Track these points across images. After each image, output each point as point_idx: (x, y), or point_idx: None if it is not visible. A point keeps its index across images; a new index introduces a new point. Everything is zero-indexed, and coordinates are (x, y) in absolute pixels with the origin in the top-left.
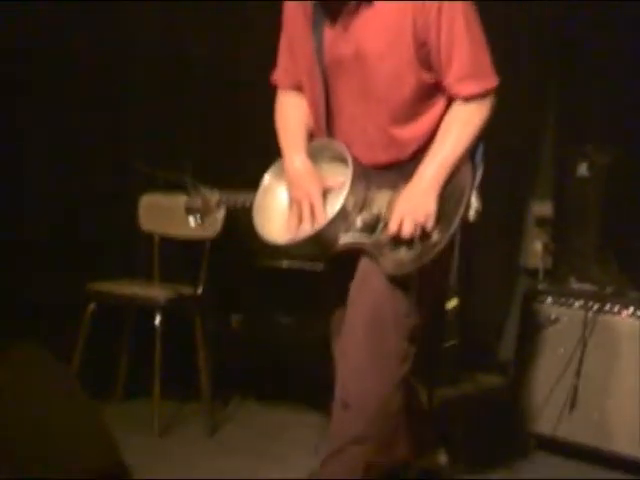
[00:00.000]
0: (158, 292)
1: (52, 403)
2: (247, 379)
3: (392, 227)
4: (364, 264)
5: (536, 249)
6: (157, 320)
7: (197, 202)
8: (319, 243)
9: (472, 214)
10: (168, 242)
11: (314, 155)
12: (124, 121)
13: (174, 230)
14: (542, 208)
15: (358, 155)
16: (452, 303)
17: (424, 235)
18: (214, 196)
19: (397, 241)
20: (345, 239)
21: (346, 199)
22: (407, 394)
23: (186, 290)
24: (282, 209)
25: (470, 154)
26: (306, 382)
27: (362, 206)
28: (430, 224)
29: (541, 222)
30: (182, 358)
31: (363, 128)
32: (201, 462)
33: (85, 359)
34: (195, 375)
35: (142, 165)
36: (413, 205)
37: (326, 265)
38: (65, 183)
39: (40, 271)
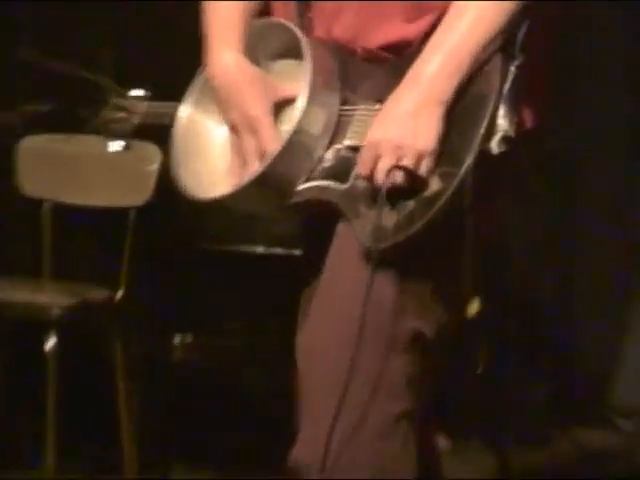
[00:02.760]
0: (50, 298)
1: None
2: (195, 433)
3: (361, 169)
4: (339, 234)
5: None
6: (49, 343)
7: (119, 113)
8: (270, 192)
9: (496, 143)
10: (67, 214)
11: (258, 47)
12: None
13: (76, 195)
14: None
15: (340, 37)
16: (473, 307)
17: (415, 182)
18: (143, 106)
19: (374, 192)
20: (305, 186)
21: (304, 115)
22: (418, 457)
23: (97, 294)
24: (215, 149)
25: (503, 39)
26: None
27: (335, 130)
28: (426, 163)
29: None
30: (92, 400)
31: None
32: None
33: None
34: (113, 426)
35: (29, 53)
36: (396, 130)
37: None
38: None
39: None
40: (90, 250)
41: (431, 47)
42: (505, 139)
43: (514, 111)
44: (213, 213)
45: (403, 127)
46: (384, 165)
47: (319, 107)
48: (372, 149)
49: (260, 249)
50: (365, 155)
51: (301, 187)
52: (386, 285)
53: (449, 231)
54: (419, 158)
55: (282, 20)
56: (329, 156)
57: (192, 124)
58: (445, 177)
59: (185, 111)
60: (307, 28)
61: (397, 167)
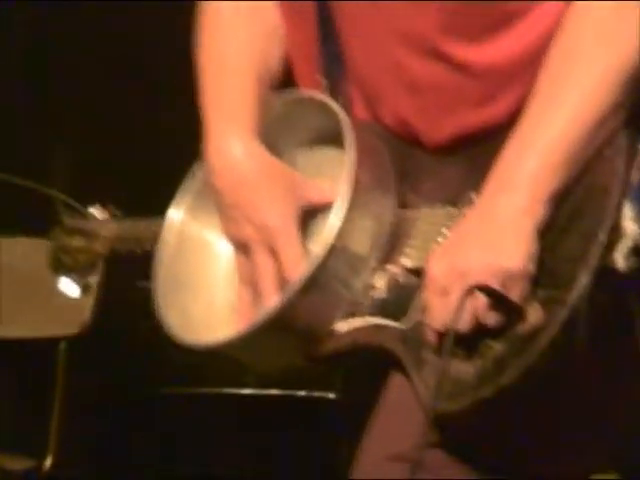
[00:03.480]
0: None
1: None
2: None
3: (427, 302)
4: (393, 387)
5: None
6: None
7: (75, 239)
8: (293, 336)
9: (623, 255)
10: None
11: (280, 131)
12: None
13: None
14: None
15: (394, 123)
16: None
17: (505, 311)
18: (110, 228)
19: (442, 335)
20: (344, 326)
21: (343, 229)
22: None
23: (18, 463)
24: (213, 275)
25: (627, 111)
26: None
27: (389, 246)
28: (517, 287)
29: None
30: None
31: (391, 53)
32: None
33: None
34: None
35: None
36: (472, 251)
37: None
38: None
39: None
40: (6, 402)
41: (521, 137)
42: (636, 250)
43: None
44: (205, 358)
45: (473, 249)
46: (456, 292)
47: (364, 215)
48: (434, 288)
49: (247, 390)
50: (429, 300)
51: (339, 328)
52: (455, 463)
53: (554, 383)
54: (504, 281)
55: (315, 93)
56: (380, 282)
57: (182, 240)
58: (549, 305)
59: (173, 223)
60: (344, 106)
61: (480, 289)
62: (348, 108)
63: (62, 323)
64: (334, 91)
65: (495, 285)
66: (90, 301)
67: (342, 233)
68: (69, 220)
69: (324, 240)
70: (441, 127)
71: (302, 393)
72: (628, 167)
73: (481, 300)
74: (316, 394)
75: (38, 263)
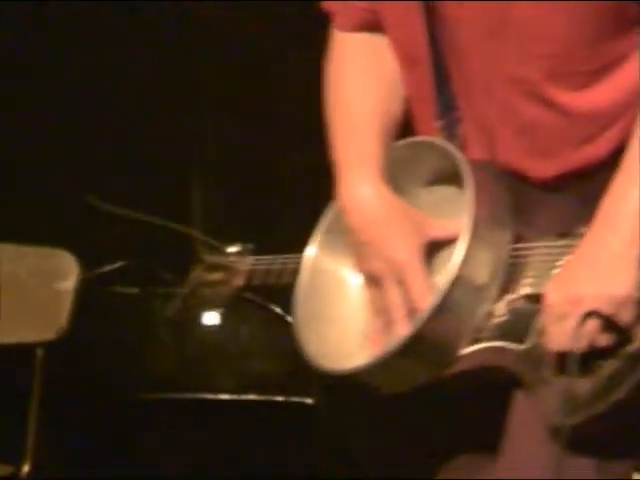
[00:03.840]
0: None
1: None
2: None
3: (545, 327)
4: (518, 406)
5: None
6: None
7: (215, 274)
8: (424, 360)
9: None
10: None
11: (402, 174)
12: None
13: None
14: None
15: (505, 161)
16: None
17: (616, 335)
18: (246, 262)
19: (560, 356)
20: (470, 349)
21: (465, 261)
22: None
23: None
24: (347, 306)
25: None
26: None
27: (508, 277)
28: (627, 311)
29: None
30: None
31: (502, 96)
32: None
33: None
34: None
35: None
36: (585, 280)
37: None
38: None
39: None
40: None
41: (626, 173)
42: None
43: None
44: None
45: (585, 277)
46: (574, 318)
47: (484, 249)
48: (551, 314)
49: (225, 396)
50: (547, 326)
51: (466, 351)
52: (582, 469)
53: None
54: (617, 306)
55: (433, 138)
56: (501, 310)
57: (317, 274)
58: None
59: (309, 258)
60: (460, 147)
61: (593, 314)
62: (464, 149)
63: (38, 329)
64: (450, 134)
65: (607, 310)
66: (66, 307)
67: (465, 264)
68: (209, 257)
69: (449, 271)
70: (546, 165)
71: (280, 398)
72: None
73: (594, 325)
74: (294, 399)
75: (15, 269)
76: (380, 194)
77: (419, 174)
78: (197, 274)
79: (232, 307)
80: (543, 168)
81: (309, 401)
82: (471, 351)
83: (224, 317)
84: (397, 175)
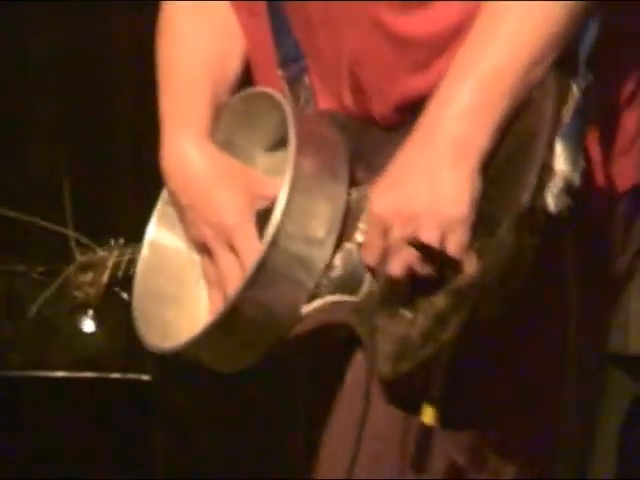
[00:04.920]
0: None
1: None
2: None
3: (364, 255)
4: (355, 365)
5: None
6: None
7: (86, 275)
8: (252, 329)
9: (554, 195)
10: None
11: (242, 131)
12: None
13: None
14: None
15: (348, 104)
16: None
17: (442, 264)
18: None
19: (388, 288)
20: (308, 308)
21: (285, 216)
22: None
23: None
24: (186, 282)
25: (559, 51)
26: None
27: (345, 225)
28: (455, 237)
29: None
30: None
31: (342, 35)
32: None
33: None
34: None
35: None
36: (408, 194)
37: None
38: None
39: None
40: None
41: (453, 76)
42: (568, 190)
43: (578, 151)
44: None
45: (418, 189)
46: (394, 242)
47: (314, 202)
48: (376, 224)
49: (60, 373)
50: (368, 235)
51: (303, 310)
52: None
53: (501, 332)
54: (445, 230)
55: (268, 89)
56: (338, 261)
57: (159, 251)
58: (484, 253)
59: (149, 235)
60: (307, 97)
61: (412, 244)
62: (311, 99)
63: None
64: (294, 84)
65: (435, 233)
66: None
67: (288, 221)
68: (82, 257)
69: (267, 232)
70: (386, 99)
71: (116, 375)
72: (558, 109)
73: (413, 255)
74: (130, 376)
75: None
76: (204, 153)
77: (259, 132)
78: (68, 276)
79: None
80: (383, 101)
81: (145, 378)
82: (310, 309)
83: (59, 294)
84: (234, 132)
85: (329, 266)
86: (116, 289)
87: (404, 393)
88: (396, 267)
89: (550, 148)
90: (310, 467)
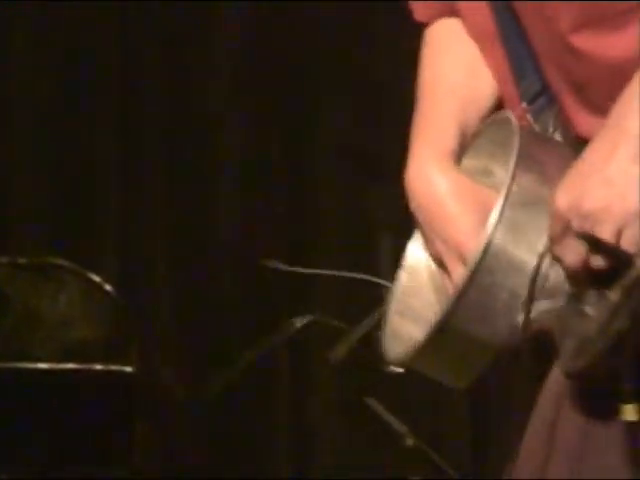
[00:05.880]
0: None
1: None
2: None
3: (551, 243)
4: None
5: None
6: None
7: None
8: (465, 342)
9: None
10: None
11: (490, 151)
12: None
13: None
14: None
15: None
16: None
17: (617, 259)
18: None
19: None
20: (535, 312)
21: (496, 229)
22: None
23: None
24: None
25: None
26: None
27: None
28: (631, 232)
29: None
30: None
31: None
32: None
33: None
34: None
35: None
36: (592, 189)
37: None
38: None
39: None
40: None
41: None
42: None
43: None
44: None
45: (595, 185)
46: (571, 237)
47: (529, 213)
48: (556, 220)
49: (43, 365)
50: (551, 231)
51: (519, 320)
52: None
53: None
54: (620, 225)
55: (505, 112)
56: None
57: (415, 272)
58: None
59: (411, 252)
60: (556, 127)
61: (586, 239)
62: (561, 127)
63: None
64: (541, 116)
65: (609, 228)
66: None
67: (497, 234)
68: None
69: (479, 239)
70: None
71: (99, 367)
72: None
73: (587, 251)
74: (113, 368)
75: None
76: (444, 172)
77: (504, 152)
78: None
79: (50, 275)
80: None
81: (128, 369)
82: (525, 320)
83: (41, 285)
84: (489, 160)
85: (546, 276)
86: (90, 274)
87: (594, 388)
88: (571, 260)
89: None
90: None
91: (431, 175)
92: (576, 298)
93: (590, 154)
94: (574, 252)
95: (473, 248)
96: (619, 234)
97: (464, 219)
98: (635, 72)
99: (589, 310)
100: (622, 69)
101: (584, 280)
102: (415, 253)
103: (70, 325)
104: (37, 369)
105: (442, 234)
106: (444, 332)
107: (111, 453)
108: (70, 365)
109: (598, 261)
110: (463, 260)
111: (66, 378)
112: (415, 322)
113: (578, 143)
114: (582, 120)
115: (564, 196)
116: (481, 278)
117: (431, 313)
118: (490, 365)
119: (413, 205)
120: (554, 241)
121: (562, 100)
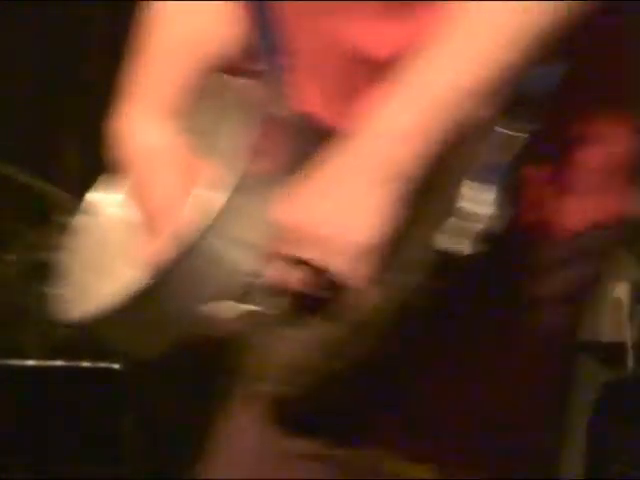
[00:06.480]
0: None
1: None
2: None
3: (265, 252)
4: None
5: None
6: None
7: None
8: (159, 314)
9: (468, 240)
10: None
11: (219, 115)
12: None
13: None
14: None
15: (318, 106)
16: None
17: (337, 291)
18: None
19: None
20: (232, 310)
21: (230, 201)
22: None
23: None
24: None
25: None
26: None
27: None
28: (359, 265)
29: None
30: None
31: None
32: None
33: None
34: None
35: None
36: (313, 210)
37: None
38: None
39: None
40: None
41: (393, 94)
42: (485, 236)
43: (511, 196)
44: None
45: (328, 208)
46: (291, 258)
47: (250, 202)
48: (278, 231)
49: (31, 362)
50: (269, 238)
51: (208, 310)
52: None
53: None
54: (349, 258)
55: (243, 80)
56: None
57: (93, 219)
58: (390, 288)
59: (90, 199)
60: (281, 97)
61: (306, 264)
62: (284, 98)
63: None
64: (271, 80)
65: (337, 259)
66: None
67: (217, 215)
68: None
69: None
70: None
71: (87, 364)
72: (474, 148)
73: (303, 271)
74: (101, 365)
75: None
76: (159, 129)
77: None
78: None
79: (36, 269)
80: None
81: (116, 366)
82: (228, 316)
83: (29, 279)
84: (213, 115)
85: (255, 274)
86: None
87: (289, 415)
88: (278, 277)
89: (458, 184)
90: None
91: (144, 129)
92: (281, 317)
93: (327, 170)
94: (282, 269)
95: (174, 221)
96: (338, 266)
97: (170, 192)
98: (392, 69)
99: (299, 336)
100: (376, 61)
101: (292, 300)
102: (110, 201)
103: (57, 321)
104: (24, 366)
105: (141, 194)
106: (139, 300)
107: (98, 451)
108: (58, 362)
109: (305, 286)
110: (155, 229)
111: (54, 375)
112: (101, 277)
113: (300, 119)
114: (312, 99)
115: (287, 210)
116: (189, 258)
117: (122, 271)
118: (170, 349)
119: (118, 156)
120: (269, 250)
121: (297, 72)
